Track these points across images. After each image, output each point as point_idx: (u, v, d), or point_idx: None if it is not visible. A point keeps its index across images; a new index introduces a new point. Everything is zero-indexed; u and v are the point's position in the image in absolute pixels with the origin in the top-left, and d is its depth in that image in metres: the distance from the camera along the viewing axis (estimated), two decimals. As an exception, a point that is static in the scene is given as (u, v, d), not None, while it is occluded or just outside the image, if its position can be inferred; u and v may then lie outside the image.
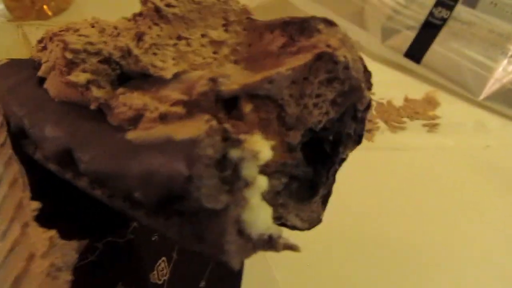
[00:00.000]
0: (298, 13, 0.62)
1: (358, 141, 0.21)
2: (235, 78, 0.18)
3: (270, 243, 0.18)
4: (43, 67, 0.26)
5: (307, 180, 0.22)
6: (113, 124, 0.20)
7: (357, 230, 0.40)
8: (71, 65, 0.21)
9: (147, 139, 0.17)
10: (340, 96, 0.19)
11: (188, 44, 0.19)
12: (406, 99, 0.55)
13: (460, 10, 0.54)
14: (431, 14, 0.54)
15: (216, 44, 0.19)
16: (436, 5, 0.54)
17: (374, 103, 0.54)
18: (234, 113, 0.18)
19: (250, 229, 0.17)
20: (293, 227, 0.21)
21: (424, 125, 0.52)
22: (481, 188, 0.46)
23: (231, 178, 0.16)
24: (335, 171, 0.22)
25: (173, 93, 0.18)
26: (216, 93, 0.17)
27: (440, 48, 0.55)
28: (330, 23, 0.18)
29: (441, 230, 0.41)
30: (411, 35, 0.56)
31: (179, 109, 0.18)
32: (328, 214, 0.39)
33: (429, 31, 0.55)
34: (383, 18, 0.57)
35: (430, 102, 0.54)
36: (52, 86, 0.24)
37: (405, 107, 0.54)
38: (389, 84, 0.56)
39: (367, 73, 0.20)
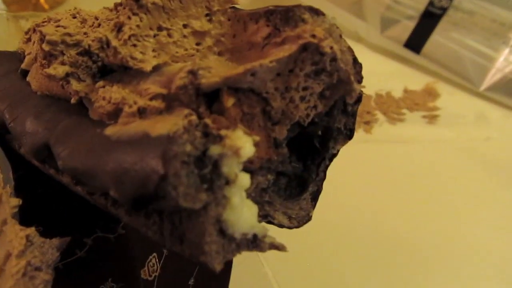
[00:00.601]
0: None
1: (349, 136, 0.21)
2: (217, 70, 0.17)
3: (255, 243, 0.17)
4: (26, 60, 0.25)
5: (296, 177, 0.21)
6: (94, 119, 0.19)
7: (354, 223, 0.39)
8: (49, 57, 0.20)
9: (124, 135, 0.17)
10: (328, 89, 0.18)
11: (169, 35, 0.18)
12: (406, 90, 0.54)
13: (461, -1, 0.53)
14: (431, 3, 0.53)
15: (199, 35, 0.19)
16: (436, -7, 0.54)
17: (373, 95, 0.53)
18: (216, 107, 0.17)
19: (232, 229, 0.16)
20: (281, 226, 0.20)
21: (424, 117, 0.51)
22: (481, 180, 0.45)
23: (211, 176, 0.15)
24: (326, 167, 0.21)
25: (153, 86, 0.17)
26: (196, 87, 0.16)
27: (440, 38, 0.54)
28: (316, 12, 0.17)
29: (440, 223, 0.40)
30: (410, 25, 0.55)
31: (158, 103, 0.17)
32: (325, 206, 0.39)
33: (429, 20, 0.54)
34: (382, 8, 0.57)
35: (430, 93, 0.53)
36: (34, 79, 0.24)
37: (405, 99, 0.53)
38: (388, 75, 0.55)
39: (357, 65, 0.19)
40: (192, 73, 0.16)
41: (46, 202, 0.26)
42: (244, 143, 0.16)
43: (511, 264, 0.38)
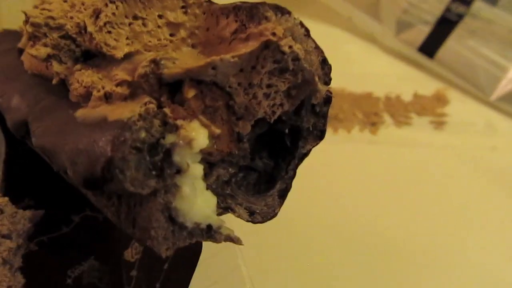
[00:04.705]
0: (316, 4, 0.61)
1: (319, 137, 0.21)
2: (183, 61, 0.18)
3: (209, 233, 0.18)
4: (22, 39, 0.26)
5: (266, 173, 0.21)
6: (72, 100, 0.20)
7: (354, 222, 0.39)
8: (33, 39, 0.21)
9: (88, 118, 0.17)
10: (294, 88, 0.18)
11: (144, 25, 0.19)
12: (416, 95, 0.54)
13: (480, 7, 0.52)
14: (447, 9, 0.53)
15: (173, 26, 0.19)
16: (453, 0, 0.53)
17: (382, 97, 0.53)
18: (178, 98, 0.17)
19: (183, 217, 0.17)
20: (244, 219, 0.20)
21: (431, 122, 0.51)
22: (484, 189, 0.45)
23: (162, 163, 0.16)
24: (296, 166, 0.21)
25: (121, 73, 0.18)
26: (158, 76, 0.17)
27: (455, 45, 0.54)
28: (281, 11, 0.17)
29: (441, 229, 0.40)
30: (426, 30, 0.55)
31: (123, 90, 0.17)
32: (326, 204, 0.39)
33: (444, 26, 0.53)
34: (399, 11, 0.56)
35: (440, 99, 0.53)
36: (25, 58, 0.24)
37: (414, 103, 0.53)
38: (399, 78, 0.55)
39: (326, 66, 0.19)
40: (155, 62, 0.17)
41: (38, 177, 0.27)
42: (198, 135, 0.16)
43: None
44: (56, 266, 0.27)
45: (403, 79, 0.55)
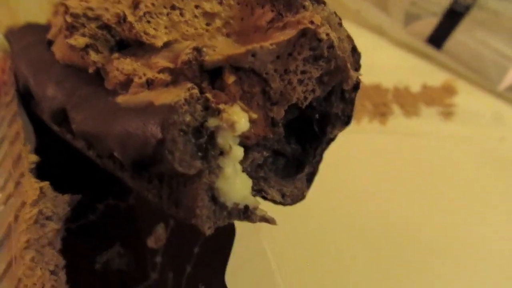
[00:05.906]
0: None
1: (346, 122, 0.22)
2: (222, 49, 0.18)
3: (246, 214, 0.19)
4: (52, 30, 0.27)
5: (294, 158, 0.22)
6: (108, 88, 0.21)
7: (361, 210, 0.39)
8: (71, 29, 0.21)
9: (131, 103, 0.18)
10: (327, 75, 0.19)
11: (181, 14, 0.20)
12: (424, 86, 0.54)
13: (487, -2, 0.53)
14: (455, 1, 0.53)
15: (209, 16, 0.20)
16: (461, -9, 0.54)
17: (391, 88, 0.53)
18: (217, 84, 0.18)
19: (224, 197, 0.18)
20: (274, 201, 0.21)
21: (440, 113, 0.52)
22: (492, 179, 0.45)
23: (206, 145, 0.17)
24: (322, 150, 0.22)
25: (161, 60, 0.19)
26: (200, 63, 0.18)
27: (462, 36, 0.54)
28: (317, 1, 0.18)
29: (447, 219, 0.40)
30: (434, 21, 0.56)
31: (165, 76, 0.18)
32: (335, 195, 0.40)
33: (452, 18, 0.54)
34: (407, 3, 0.57)
35: (448, 90, 0.54)
36: (58, 49, 0.25)
37: (422, 93, 0.53)
38: (408, 70, 0.56)
39: (356, 53, 0.20)
40: (197, 50, 0.18)
41: (63, 167, 0.27)
42: (239, 118, 0.17)
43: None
44: (85, 252, 0.28)
45: (411, 70, 0.56)
